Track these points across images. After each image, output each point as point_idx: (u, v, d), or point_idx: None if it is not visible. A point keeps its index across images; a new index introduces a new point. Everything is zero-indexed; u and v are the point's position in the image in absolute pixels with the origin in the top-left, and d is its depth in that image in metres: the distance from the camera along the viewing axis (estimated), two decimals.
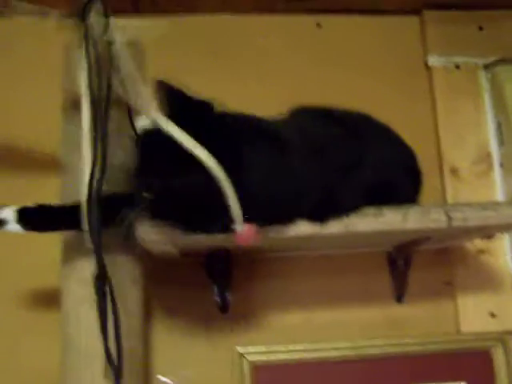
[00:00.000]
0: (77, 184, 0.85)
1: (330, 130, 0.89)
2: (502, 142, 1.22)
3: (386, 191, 0.90)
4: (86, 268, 0.86)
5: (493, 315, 1.14)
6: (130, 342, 0.92)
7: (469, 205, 0.89)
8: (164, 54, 1.10)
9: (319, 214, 0.83)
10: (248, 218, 0.73)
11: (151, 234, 0.82)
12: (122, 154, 0.96)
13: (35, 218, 0.80)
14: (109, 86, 0.88)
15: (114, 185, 0.93)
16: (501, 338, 1.12)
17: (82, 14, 0.86)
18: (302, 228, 0.83)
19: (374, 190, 0.88)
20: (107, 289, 0.81)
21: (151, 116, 0.74)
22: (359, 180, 0.87)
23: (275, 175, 0.76)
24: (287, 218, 0.81)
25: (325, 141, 0.86)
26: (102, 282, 0.81)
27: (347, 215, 0.84)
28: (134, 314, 0.94)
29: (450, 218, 0.86)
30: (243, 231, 0.74)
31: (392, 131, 0.99)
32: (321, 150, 0.83)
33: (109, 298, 0.81)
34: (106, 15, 0.86)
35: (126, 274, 0.93)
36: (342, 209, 0.85)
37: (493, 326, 1.14)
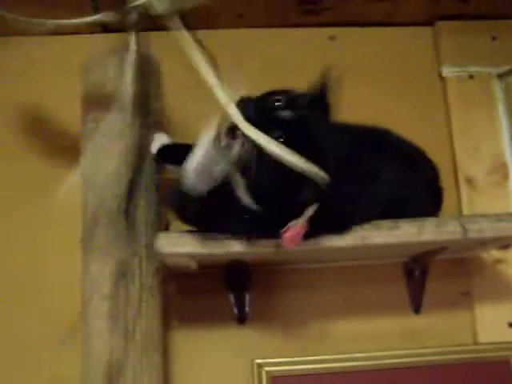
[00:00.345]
0: None
1: (350, 144, 0.90)
2: None
3: (401, 207, 0.91)
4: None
5: (511, 325, 1.14)
6: (150, 353, 0.94)
7: (484, 216, 0.90)
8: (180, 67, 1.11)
9: (339, 227, 0.84)
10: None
11: (169, 247, 0.84)
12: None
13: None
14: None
15: None
16: None
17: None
18: (323, 241, 0.84)
19: (389, 206, 0.89)
20: None
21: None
22: (376, 195, 0.88)
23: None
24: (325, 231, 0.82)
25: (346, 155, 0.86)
26: None
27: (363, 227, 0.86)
28: (154, 327, 0.96)
29: (465, 230, 0.87)
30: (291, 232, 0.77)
31: (414, 146, 1.00)
32: (344, 164, 0.84)
33: None
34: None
35: (145, 287, 0.94)
36: (359, 221, 0.86)
37: (511, 335, 1.13)
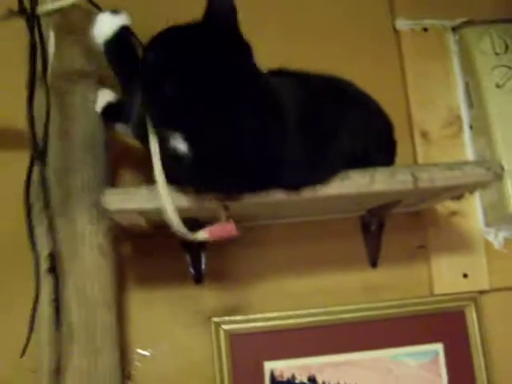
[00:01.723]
0: None
1: (311, 97, 0.88)
2: (471, 105, 1.21)
3: (362, 160, 0.89)
4: None
5: (465, 276, 1.15)
6: (103, 315, 0.92)
7: (435, 165, 0.89)
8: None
9: (296, 183, 0.83)
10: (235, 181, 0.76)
11: (115, 204, 0.81)
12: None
13: None
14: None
15: (76, 155, 0.93)
16: (473, 297, 1.14)
17: None
18: (271, 195, 0.82)
19: (351, 159, 0.87)
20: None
21: None
22: (336, 148, 0.86)
23: (273, 138, 0.76)
24: (268, 185, 0.80)
25: (304, 107, 0.84)
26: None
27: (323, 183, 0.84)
28: (106, 285, 0.94)
29: (416, 179, 0.86)
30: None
31: (369, 98, 0.99)
32: (301, 116, 0.82)
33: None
34: None
35: (94, 247, 0.93)
36: (319, 177, 0.84)
37: (466, 286, 1.15)
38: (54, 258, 0.88)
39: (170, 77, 0.70)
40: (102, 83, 0.98)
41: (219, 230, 0.81)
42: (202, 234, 0.80)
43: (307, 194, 0.83)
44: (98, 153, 0.98)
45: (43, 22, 0.91)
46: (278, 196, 0.81)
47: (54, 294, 0.87)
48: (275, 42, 1.18)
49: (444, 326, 1.13)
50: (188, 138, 0.72)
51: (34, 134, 0.89)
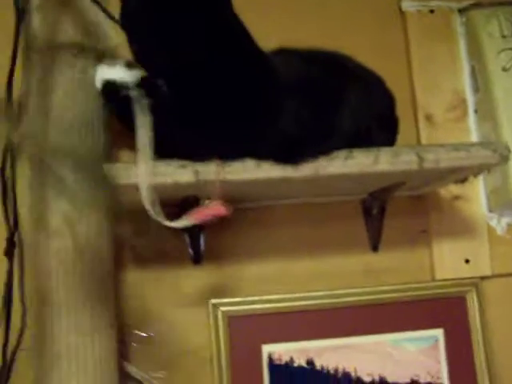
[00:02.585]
0: None
1: (312, 71, 0.87)
2: (476, 89, 1.20)
3: (364, 138, 0.88)
4: None
5: (467, 261, 1.14)
6: (101, 292, 0.91)
7: (441, 146, 0.88)
8: None
9: (293, 156, 0.81)
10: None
11: (118, 179, 0.80)
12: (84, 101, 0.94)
13: None
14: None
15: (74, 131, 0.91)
16: (475, 283, 1.12)
17: None
18: (273, 171, 0.81)
19: (353, 136, 0.86)
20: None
21: None
22: (338, 124, 0.85)
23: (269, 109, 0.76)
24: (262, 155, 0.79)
25: (306, 82, 0.84)
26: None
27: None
28: (104, 266, 0.93)
29: (421, 159, 0.85)
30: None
31: (371, 72, 0.97)
32: (302, 90, 0.82)
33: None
34: None
35: (94, 225, 0.91)
36: (317, 152, 0.83)
37: (467, 272, 1.14)
38: (12, 241, 0.85)
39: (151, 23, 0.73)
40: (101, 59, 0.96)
41: (203, 211, 0.79)
42: (184, 221, 0.79)
43: (309, 172, 0.81)
44: (96, 130, 0.96)
45: None
46: (276, 172, 0.80)
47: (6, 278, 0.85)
48: (277, 21, 1.16)
49: (445, 311, 1.12)
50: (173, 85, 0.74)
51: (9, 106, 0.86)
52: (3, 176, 0.86)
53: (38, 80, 0.88)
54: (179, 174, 0.79)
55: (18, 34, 0.83)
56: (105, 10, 0.87)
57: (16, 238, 0.83)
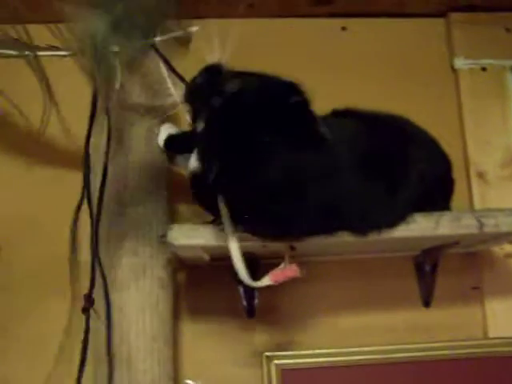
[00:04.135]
0: None
1: (378, 139, 0.88)
2: None
3: (427, 202, 0.89)
4: None
5: None
6: (161, 345, 0.93)
7: (499, 210, 0.89)
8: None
9: (363, 228, 0.83)
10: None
11: (181, 239, 0.83)
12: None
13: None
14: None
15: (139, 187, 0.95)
16: None
17: None
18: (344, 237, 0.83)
19: (418, 202, 0.87)
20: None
21: None
22: (407, 190, 0.86)
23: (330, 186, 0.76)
24: (333, 230, 0.81)
25: (372, 151, 0.84)
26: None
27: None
28: (165, 318, 0.95)
29: (481, 224, 0.86)
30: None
31: (430, 137, 0.99)
32: (368, 160, 0.82)
33: None
34: None
35: (155, 278, 0.94)
36: (386, 223, 0.85)
37: None
38: (90, 298, 0.88)
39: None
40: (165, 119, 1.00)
41: (282, 273, 0.82)
42: (266, 281, 0.81)
43: (373, 236, 0.83)
44: (159, 186, 0.99)
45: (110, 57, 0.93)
46: (346, 238, 0.81)
47: (84, 334, 0.87)
48: (338, 81, 1.19)
49: (498, 370, 1.10)
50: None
51: (87, 167, 0.90)
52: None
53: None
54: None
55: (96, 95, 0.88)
56: (176, 73, 0.91)
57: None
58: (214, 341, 1.09)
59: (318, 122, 0.75)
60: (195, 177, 0.83)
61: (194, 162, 0.83)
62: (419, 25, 1.27)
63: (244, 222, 0.78)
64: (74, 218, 0.95)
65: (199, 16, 1.09)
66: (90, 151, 0.95)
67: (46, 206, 1.11)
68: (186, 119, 1.04)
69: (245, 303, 1.09)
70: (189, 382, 1.08)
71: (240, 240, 0.80)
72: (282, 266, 0.83)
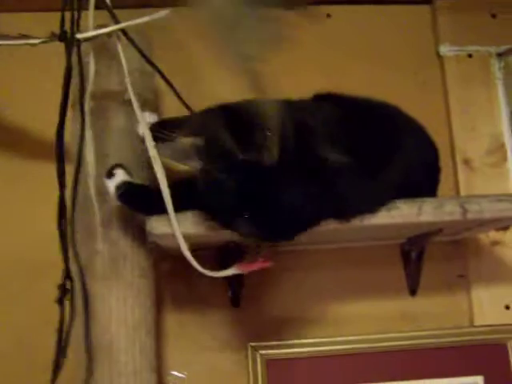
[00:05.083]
0: None
1: (359, 125, 0.86)
2: None
3: (412, 190, 0.88)
4: None
5: (508, 307, 1.13)
6: (143, 336, 0.92)
7: (484, 196, 0.88)
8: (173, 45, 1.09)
9: (346, 214, 0.82)
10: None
11: (160, 227, 0.81)
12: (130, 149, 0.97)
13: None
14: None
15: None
16: None
17: None
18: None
19: (402, 190, 0.86)
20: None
21: None
22: (390, 177, 0.85)
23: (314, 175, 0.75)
24: (318, 219, 0.80)
25: (353, 137, 0.83)
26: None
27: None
28: (146, 308, 0.94)
29: (465, 211, 0.85)
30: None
31: (419, 125, 0.98)
32: (352, 147, 0.80)
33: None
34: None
35: (135, 268, 0.93)
36: (368, 208, 0.83)
37: (508, 318, 1.13)
38: (64, 288, 0.87)
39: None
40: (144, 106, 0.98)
41: (250, 264, 0.81)
42: (232, 270, 0.80)
43: (355, 223, 0.82)
44: (140, 175, 0.97)
45: (83, 47, 0.90)
46: (330, 225, 0.80)
47: (59, 325, 0.85)
48: (322, 68, 1.19)
49: (484, 358, 1.10)
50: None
51: (61, 159, 0.88)
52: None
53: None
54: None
55: (66, 90, 0.85)
56: (150, 61, 0.89)
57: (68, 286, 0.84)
58: (198, 331, 1.09)
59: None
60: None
61: None
62: (405, 11, 1.26)
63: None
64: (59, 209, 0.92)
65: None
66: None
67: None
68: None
69: (230, 292, 1.09)
70: (174, 373, 1.07)
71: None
72: (249, 258, 0.81)
